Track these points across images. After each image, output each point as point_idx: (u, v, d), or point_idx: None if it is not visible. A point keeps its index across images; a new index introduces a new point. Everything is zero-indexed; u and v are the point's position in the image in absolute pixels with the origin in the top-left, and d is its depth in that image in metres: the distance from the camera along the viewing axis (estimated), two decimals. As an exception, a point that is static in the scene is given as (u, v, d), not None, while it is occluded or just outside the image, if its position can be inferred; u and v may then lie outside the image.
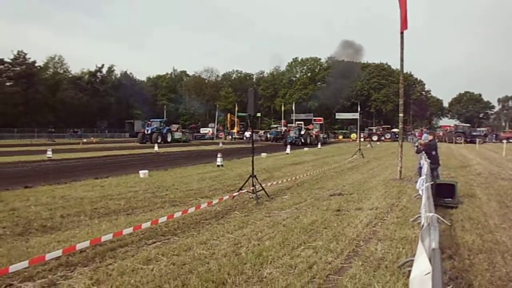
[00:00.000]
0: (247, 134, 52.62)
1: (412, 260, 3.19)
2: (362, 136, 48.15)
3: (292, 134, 43.33)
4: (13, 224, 6.55)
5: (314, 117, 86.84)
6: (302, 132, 43.38)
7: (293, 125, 55.47)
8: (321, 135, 51.00)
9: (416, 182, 9.68)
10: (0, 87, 70.43)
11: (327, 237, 6.03)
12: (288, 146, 29.79)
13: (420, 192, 7.95)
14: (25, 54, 72.50)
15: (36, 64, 75.11)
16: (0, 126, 60.38)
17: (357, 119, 40.07)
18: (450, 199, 8.60)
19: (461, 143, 46.29)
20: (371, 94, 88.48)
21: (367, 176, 14.10)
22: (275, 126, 64.81)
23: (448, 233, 6.45)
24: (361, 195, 9.96)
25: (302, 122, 51.53)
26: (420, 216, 6.24)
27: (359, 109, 34.22)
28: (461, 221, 7.32)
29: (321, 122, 62.08)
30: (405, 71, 15.52)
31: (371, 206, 8.44)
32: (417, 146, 13.19)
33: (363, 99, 79.92)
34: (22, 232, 6.12)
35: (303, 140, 41.57)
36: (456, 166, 17.93)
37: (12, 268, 3.98)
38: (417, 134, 45.34)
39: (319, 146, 38.42)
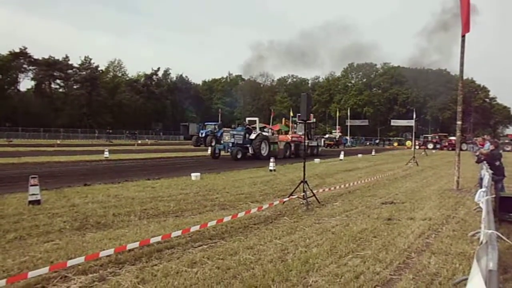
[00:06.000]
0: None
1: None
2: (417, 143, 45.10)
3: (227, 138, 25.40)
4: (72, 219, 6.93)
5: (368, 124, 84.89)
6: (253, 137, 25.10)
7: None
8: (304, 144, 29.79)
9: (476, 194, 9.13)
10: (68, 90, 75.95)
11: (376, 246, 5.81)
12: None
13: (481, 205, 7.47)
14: (90, 59, 77.62)
15: (99, 68, 79.91)
16: (66, 127, 64.73)
17: (412, 126, 38.13)
18: (516, 214, 8.00)
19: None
20: (427, 101, 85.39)
21: (420, 185, 13.49)
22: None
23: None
24: (414, 204, 9.52)
25: (256, 119, 27.48)
26: (480, 232, 5.85)
27: (414, 116, 33.01)
28: (530, 238, 6.78)
29: (309, 121, 32.81)
30: (466, 77, 14.72)
31: (424, 216, 8.04)
32: (477, 156, 12.45)
33: (418, 106, 77.07)
34: (79, 227, 6.45)
35: (252, 151, 24.77)
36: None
37: (70, 263, 4.25)
38: (477, 142, 42.47)
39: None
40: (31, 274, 3.93)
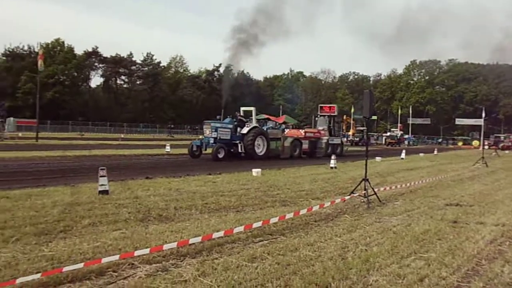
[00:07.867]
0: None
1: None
2: (486, 143, 41.99)
3: (208, 133, 19.74)
4: (136, 211, 7.26)
5: (431, 122, 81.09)
6: (245, 131, 20.39)
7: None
8: (324, 140, 25.23)
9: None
10: (131, 86, 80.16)
11: (441, 249, 5.51)
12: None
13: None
14: (152, 55, 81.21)
15: (161, 64, 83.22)
16: (130, 121, 68.21)
17: (480, 125, 35.67)
18: None
19: None
20: (499, 98, 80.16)
21: (491, 188, 12.60)
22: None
23: None
24: (484, 208, 8.89)
25: (253, 109, 21.72)
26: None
27: (483, 114, 31.06)
28: None
29: (332, 113, 27.59)
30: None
31: (496, 221, 7.47)
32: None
33: (489, 104, 72.43)
34: (142, 219, 6.74)
35: (242, 149, 20.07)
36: None
37: (137, 253, 4.52)
38: None
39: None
40: (104, 260, 4.23)
